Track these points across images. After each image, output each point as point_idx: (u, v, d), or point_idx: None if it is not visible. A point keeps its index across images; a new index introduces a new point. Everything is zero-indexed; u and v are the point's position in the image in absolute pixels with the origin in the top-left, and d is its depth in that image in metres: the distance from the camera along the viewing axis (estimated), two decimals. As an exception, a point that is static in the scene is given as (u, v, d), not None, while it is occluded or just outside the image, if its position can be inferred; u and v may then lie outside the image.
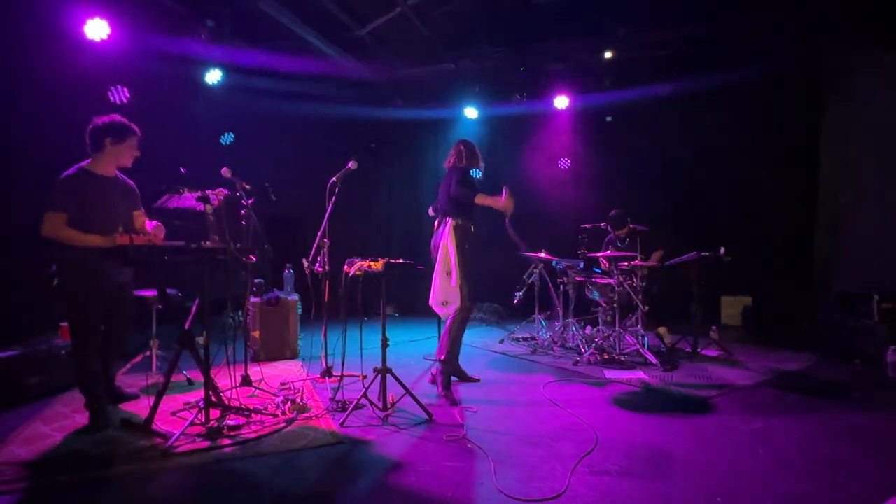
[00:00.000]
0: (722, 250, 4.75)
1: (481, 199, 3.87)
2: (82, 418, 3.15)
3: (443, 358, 3.89)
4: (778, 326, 6.32)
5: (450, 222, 3.93)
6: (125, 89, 5.11)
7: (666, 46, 6.48)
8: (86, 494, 2.29)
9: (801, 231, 6.62)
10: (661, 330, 5.22)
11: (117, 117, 3.20)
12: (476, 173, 4.29)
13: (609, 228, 5.54)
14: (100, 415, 3.07)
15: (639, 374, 4.26)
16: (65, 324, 4.00)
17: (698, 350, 4.89)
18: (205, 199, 3.10)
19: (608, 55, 6.61)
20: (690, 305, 6.20)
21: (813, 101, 6.39)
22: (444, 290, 3.91)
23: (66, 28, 4.41)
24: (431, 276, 4.01)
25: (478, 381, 4.12)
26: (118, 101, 5.11)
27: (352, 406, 3.25)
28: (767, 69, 6.21)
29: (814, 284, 6.39)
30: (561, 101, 7.18)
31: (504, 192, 3.80)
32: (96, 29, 4.44)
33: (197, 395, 3.41)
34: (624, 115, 7.43)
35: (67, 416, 3.22)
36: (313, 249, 4.03)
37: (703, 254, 4.81)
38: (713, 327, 5.24)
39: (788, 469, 2.53)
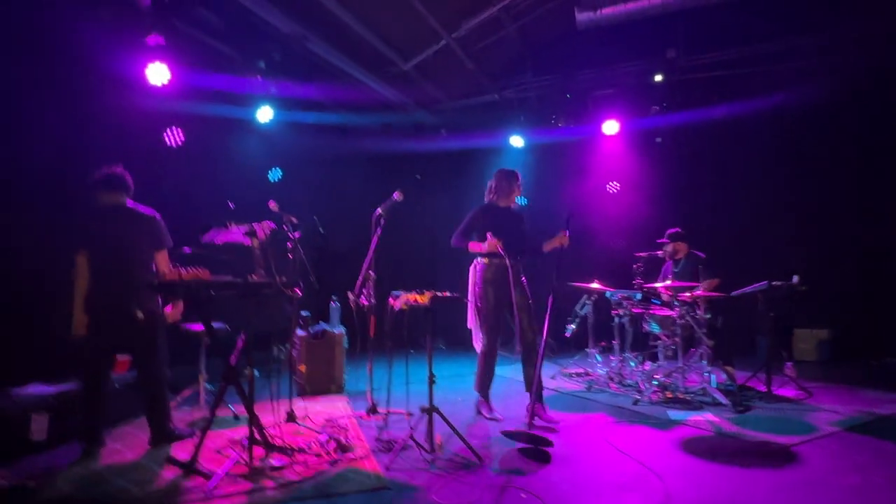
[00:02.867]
0: (795, 279, 4.36)
1: (473, 247, 3.88)
2: (132, 454, 3.16)
3: (476, 389, 4.03)
4: (858, 362, 5.75)
5: (475, 261, 3.97)
6: (180, 131, 5.35)
7: (720, 67, 6.23)
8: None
9: (882, 257, 6.07)
10: (730, 369, 4.82)
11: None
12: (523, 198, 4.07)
13: (664, 254, 5.25)
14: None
15: (708, 416, 3.89)
16: (122, 357, 4.08)
17: (772, 389, 4.45)
18: (251, 234, 3.10)
19: (658, 78, 6.41)
20: (758, 339, 5.75)
21: (891, 115, 5.93)
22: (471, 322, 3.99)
23: (129, 73, 4.66)
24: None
25: (499, 420, 3.87)
26: (173, 144, 5.33)
27: (397, 447, 3.09)
28: (837, 85, 5.82)
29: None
30: (610, 127, 6.98)
31: (488, 236, 3.69)
32: (157, 74, 4.66)
33: (242, 431, 3.34)
34: (676, 138, 7.14)
35: (118, 451, 3.22)
36: (359, 282, 3.97)
37: (774, 283, 4.42)
38: (788, 364, 4.78)
39: (900, 535, 2.17)
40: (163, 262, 3.31)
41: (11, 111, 4.20)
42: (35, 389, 3.36)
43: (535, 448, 3.13)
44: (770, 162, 6.65)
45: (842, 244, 6.28)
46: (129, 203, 3.36)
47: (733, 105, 6.41)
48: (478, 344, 3.95)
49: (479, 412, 4.03)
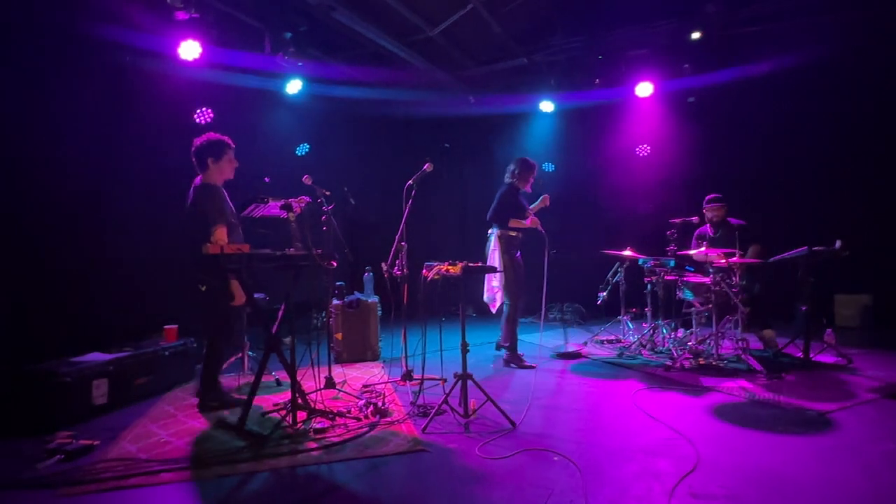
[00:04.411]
0: (838, 244, 4.22)
1: (514, 223, 4.52)
2: (185, 417, 3.38)
3: (507, 344, 4.63)
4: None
5: (496, 232, 4.57)
6: (209, 110, 5.46)
7: (761, 20, 5.89)
8: (186, 493, 2.42)
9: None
10: (767, 333, 4.75)
11: (213, 135, 3.48)
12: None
13: (706, 220, 5.16)
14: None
15: (741, 383, 3.88)
16: (170, 326, 4.30)
17: (810, 356, 4.38)
18: (287, 208, 3.18)
19: (695, 35, 6.12)
20: (797, 305, 5.62)
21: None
22: (492, 289, 4.63)
23: (163, 50, 4.75)
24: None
25: (534, 367, 4.50)
26: (203, 122, 5.46)
27: (433, 412, 3.21)
28: (883, 38, 5.45)
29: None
30: (644, 89, 6.76)
31: (531, 217, 4.55)
32: (189, 49, 4.74)
33: (284, 396, 3.52)
34: (713, 98, 6.86)
35: (172, 414, 3.45)
36: (391, 253, 4.05)
37: (814, 249, 4.29)
38: (828, 330, 4.68)
39: (937, 501, 2.17)
40: (218, 236, 3.23)
41: (47, 94, 4.34)
42: (94, 357, 3.60)
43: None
44: (811, 121, 6.34)
45: (886, 205, 6.01)
46: (198, 180, 3.45)
47: (772, 61, 6.10)
48: (494, 305, 4.63)
49: (508, 365, 4.59)
